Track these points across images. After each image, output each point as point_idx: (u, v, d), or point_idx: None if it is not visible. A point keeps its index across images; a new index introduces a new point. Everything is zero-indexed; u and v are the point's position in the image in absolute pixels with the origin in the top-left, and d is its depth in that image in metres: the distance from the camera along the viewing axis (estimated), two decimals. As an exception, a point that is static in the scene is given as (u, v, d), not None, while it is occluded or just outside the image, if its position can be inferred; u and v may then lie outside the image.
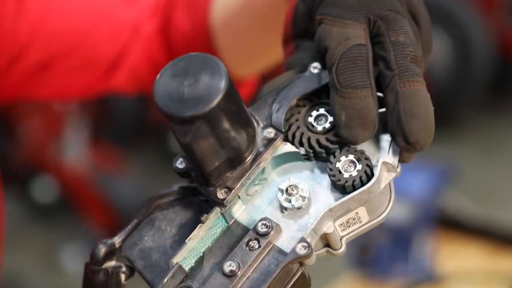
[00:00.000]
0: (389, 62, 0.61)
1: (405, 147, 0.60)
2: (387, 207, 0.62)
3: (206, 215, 0.61)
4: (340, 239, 0.61)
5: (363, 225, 0.61)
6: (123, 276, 0.63)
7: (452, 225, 2.14)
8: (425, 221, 2.03)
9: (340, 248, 0.61)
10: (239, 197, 0.62)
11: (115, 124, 3.54)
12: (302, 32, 0.68)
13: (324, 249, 0.61)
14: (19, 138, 3.38)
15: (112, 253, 0.63)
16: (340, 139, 0.61)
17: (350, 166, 0.60)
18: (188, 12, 0.98)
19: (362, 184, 0.60)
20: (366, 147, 0.62)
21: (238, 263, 0.59)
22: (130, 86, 1.04)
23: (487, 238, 2.10)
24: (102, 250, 0.62)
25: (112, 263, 0.63)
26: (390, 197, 0.62)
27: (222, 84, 0.58)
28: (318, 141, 0.62)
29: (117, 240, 0.63)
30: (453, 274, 1.99)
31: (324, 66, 0.65)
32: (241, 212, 0.63)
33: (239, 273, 0.59)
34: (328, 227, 0.60)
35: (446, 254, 2.08)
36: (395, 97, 0.60)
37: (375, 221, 0.62)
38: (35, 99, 1.19)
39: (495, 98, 3.51)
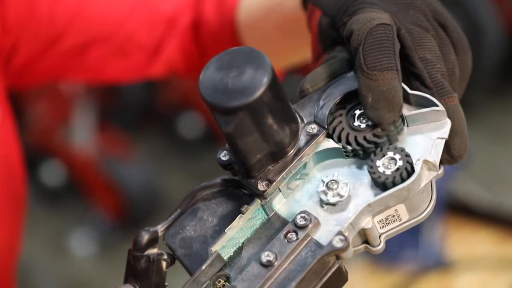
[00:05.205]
0: (425, 80, 0.63)
1: (447, 160, 0.62)
2: (427, 206, 0.62)
3: (246, 206, 0.62)
4: (379, 236, 0.62)
5: (403, 223, 0.62)
6: (164, 264, 0.64)
7: (462, 211, 2.14)
8: (435, 207, 2.02)
9: (379, 245, 0.62)
10: (280, 190, 0.63)
11: (123, 109, 3.53)
12: (331, 43, 0.69)
13: (363, 245, 0.62)
14: (27, 123, 3.38)
15: (154, 240, 0.64)
16: (380, 138, 0.62)
17: (391, 163, 0.60)
18: (216, 8, 1.01)
19: (402, 181, 0.60)
20: (408, 145, 0.62)
21: (276, 254, 0.60)
22: (164, 75, 1.07)
23: (497, 224, 2.10)
24: (145, 237, 0.63)
25: (154, 251, 0.64)
26: (432, 196, 0.62)
27: (266, 77, 0.59)
28: (358, 138, 0.63)
29: (160, 228, 0.65)
30: (462, 260, 1.99)
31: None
32: (281, 205, 0.64)
33: (276, 263, 0.59)
34: (366, 223, 0.60)
35: (456, 240, 2.08)
36: None
37: (415, 219, 0.62)
38: (70, 80, 1.25)
39: (505, 85, 3.50)
